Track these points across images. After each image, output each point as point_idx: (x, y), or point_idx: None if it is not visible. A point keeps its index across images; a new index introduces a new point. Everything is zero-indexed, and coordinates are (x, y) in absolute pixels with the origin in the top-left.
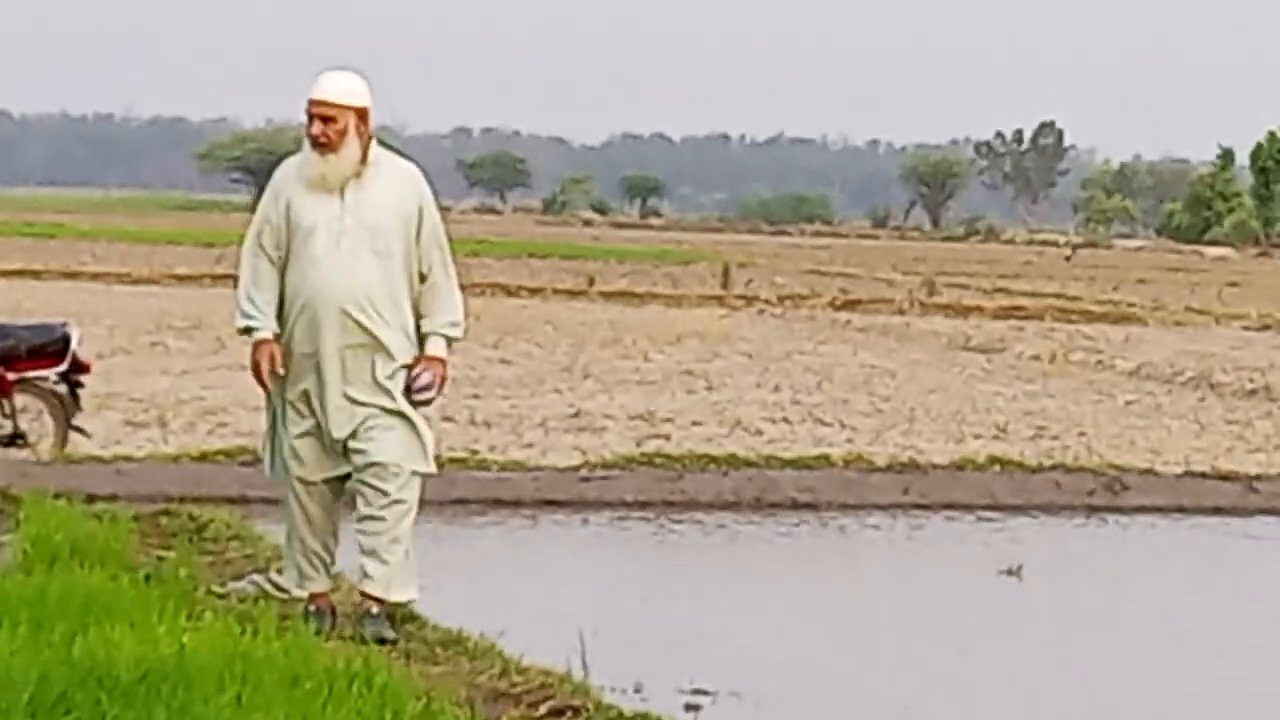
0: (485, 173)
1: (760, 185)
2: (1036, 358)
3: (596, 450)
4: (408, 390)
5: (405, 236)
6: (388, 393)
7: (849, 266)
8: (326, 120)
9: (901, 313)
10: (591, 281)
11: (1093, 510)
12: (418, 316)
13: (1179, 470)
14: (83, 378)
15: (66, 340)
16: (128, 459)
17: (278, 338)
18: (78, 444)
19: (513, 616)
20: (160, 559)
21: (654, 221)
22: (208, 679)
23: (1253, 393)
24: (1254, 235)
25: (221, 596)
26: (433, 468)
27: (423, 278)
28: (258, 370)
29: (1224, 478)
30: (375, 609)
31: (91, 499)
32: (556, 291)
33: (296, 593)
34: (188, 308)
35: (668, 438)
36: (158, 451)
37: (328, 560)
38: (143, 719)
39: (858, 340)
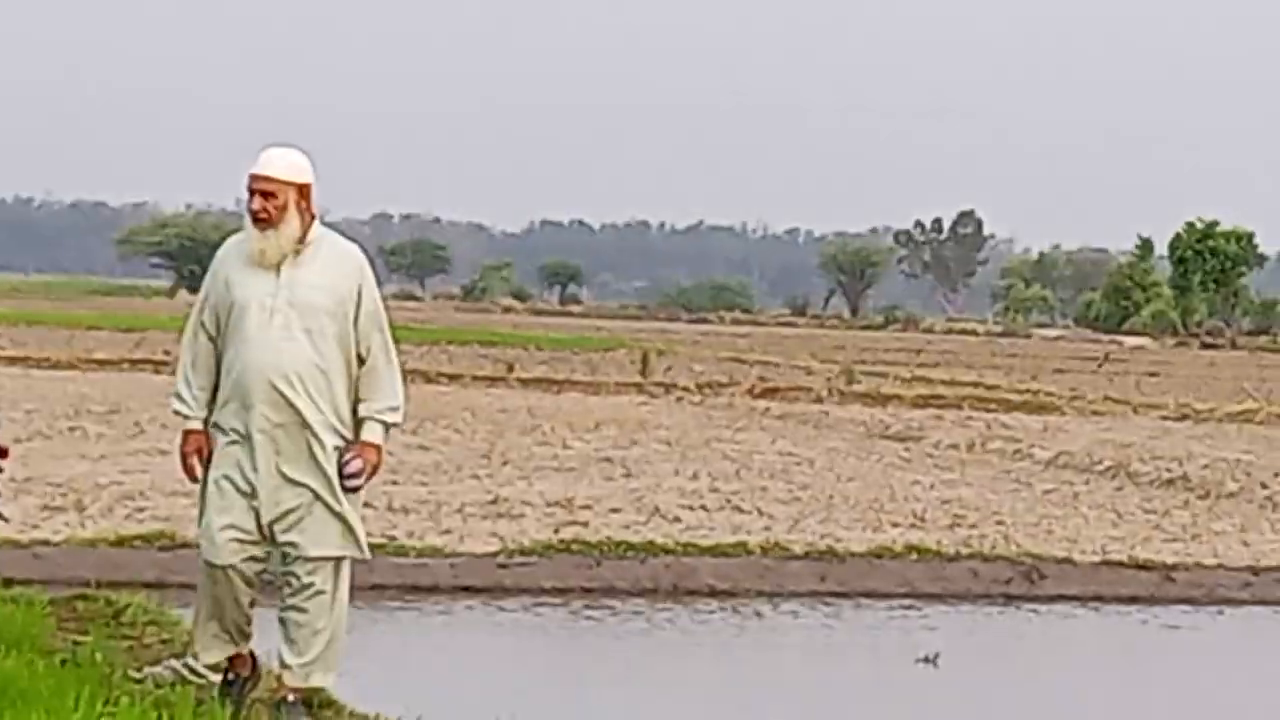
0: (405, 259)
1: (679, 273)
2: (955, 446)
3: (514, 537)
4: (339, 475)
5: (341, 317)
6: (322, 473)
7: (768, 354)
8: (267, 195)
9: (820, 401)
10: (510, 368)
11: (1010, 599)
12: (357, 400)
13: (1096, 559)
14: (1, 463)
15: None
16: (45, 543)
17: (208, 423)
18: None
19: (430, 702)
20: (77, 644)
21: (573, 308)
22: None
23: (1170, 482)
24: (1172, 325)
25: (138, 682)
26: (364, 554)
27: (361, 360)
28: (185, 460)
29: (1141, 567)
30: (291, 696)
31: (8, 583)
32: (475, 378)
33: (214, 678)
34: (106, 392)
35: (586, 525)
36: (75, 536)
37: (241, 633)
38: None
39: (776, 428)
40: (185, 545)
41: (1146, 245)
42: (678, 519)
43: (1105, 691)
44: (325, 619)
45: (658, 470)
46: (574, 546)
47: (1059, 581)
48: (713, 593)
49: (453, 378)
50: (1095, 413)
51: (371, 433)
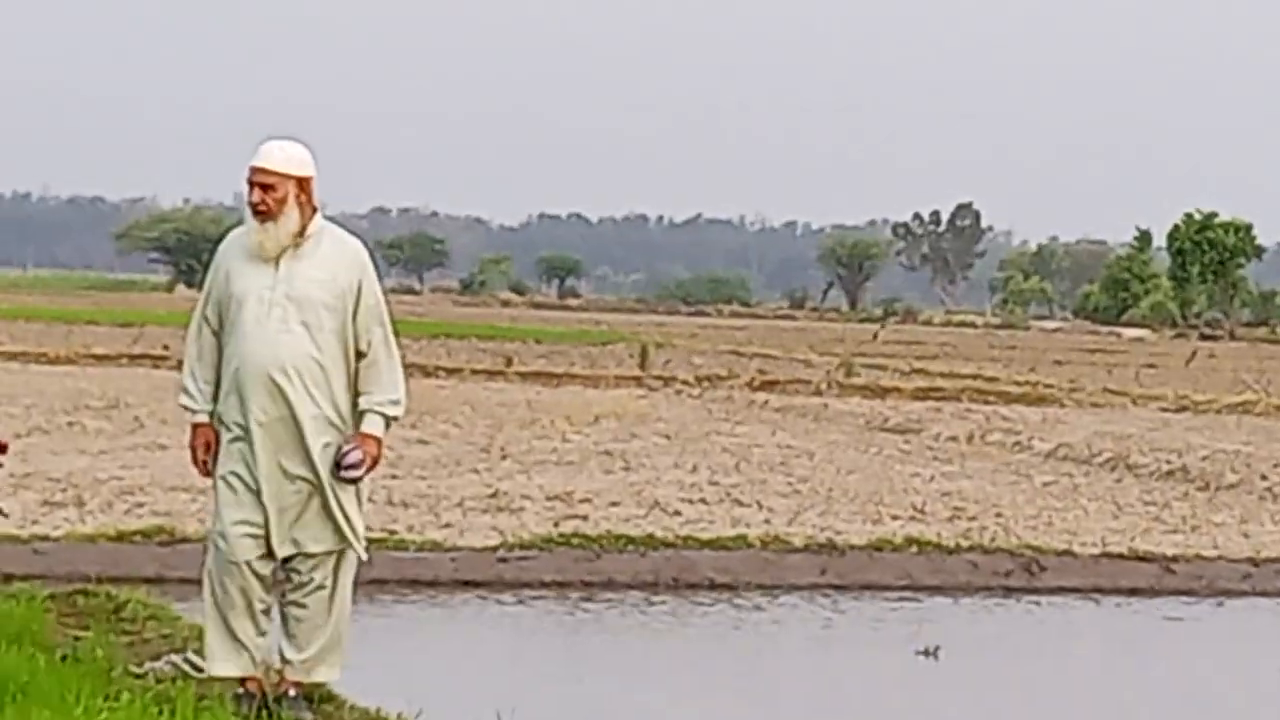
0: (403, 253)
1: (678, 266)
2: (954, 439)
3: (514, 531)
4: (336, 467)
5: (340, 311)
6: (318, 468)
7: (766, 347)
8: (266, 188)
9: (819, 393)
10: (509, 362)
11: (1009, 591)
12: (356, 394)
13: (1096, 551)
14: (0, 458)
15: None
16: (44, 539)
17: (214, 415)
18: None
19: (430, 697)
20: (77, 639)
21: (572, 302)
22: None
23: (1169, 474)
24: (1171, 317)
25: (139, 677)
26: (360, 553)
27: (361, 355)
28: (194, 454)
29: (1141, 559)
30: (294, 690)
31: (8, 579)
32: (474, 372)
33: (217, 673)
34: (105, 387)
35: (585, 518)
36: (75, 531)
37: (254, 644)
38: None
39: (775, 421)
40: (185, 540)
41: (1145, 237)
42: (677, 512)
43: (1105, 683)
44: (326, 614)
45: (657, 463)
46: (574, 540)
47: (1059, 573)
48: (713, 586)
49: (451, 371)
50: (1094, 405)
51: (372, 425)
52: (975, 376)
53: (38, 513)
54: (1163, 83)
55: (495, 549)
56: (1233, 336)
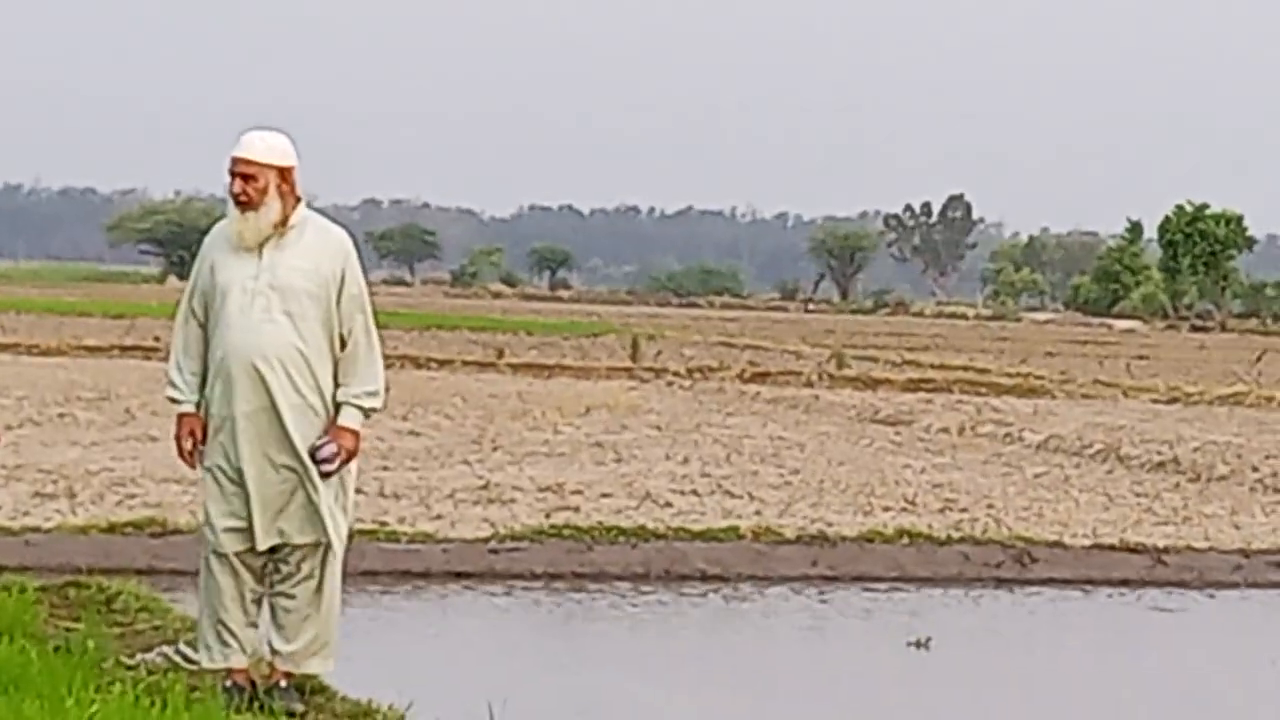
0: (394, 245)
1: (669, 257)
2: (945, 430)
3: (505, 522)
4: (312, 459)
5: (323, 300)
6: (302, 459)
7: (758, 339)
8: (247, 178)
9: (810, 385)
10: (500, 353)
11: (1001, 582)
12: (337, 384)
13: (1087, 543)
14: None
15: None
16: (36, 530)
17: (199, 406)
18: None
19: (422, 688)
20: (69, 631)
21: (563, 294)
22: None
23: (1161, 465)
24: (1162, 308)
25: (130, 668)
26: (336, 545)
27: (344, 344)
28: (180, 444)
29: (1132, 550)
30: (284, 681)
31: None
32: (465, 363)
33: (206, 664)
34: (96, 379)
35: (577, 510)
36: (66, 523)
37: (245, 636)
38: None
39: (766, 412)
40: (177, 532)
41: (1136, 229)
42: (669, 504)
43: (1097, 674)
44: (314, 606)
45: (648, 455)
46: (565, 531)
47: (1050, 565)
48: (704, 577)
49: (443, 363)
50: (1085, 396)
51: (349, 418)
52: (966, 368)
53: (29, 504)
54: (1155, 77)
55: (487, 540)
56: (1224, 328)
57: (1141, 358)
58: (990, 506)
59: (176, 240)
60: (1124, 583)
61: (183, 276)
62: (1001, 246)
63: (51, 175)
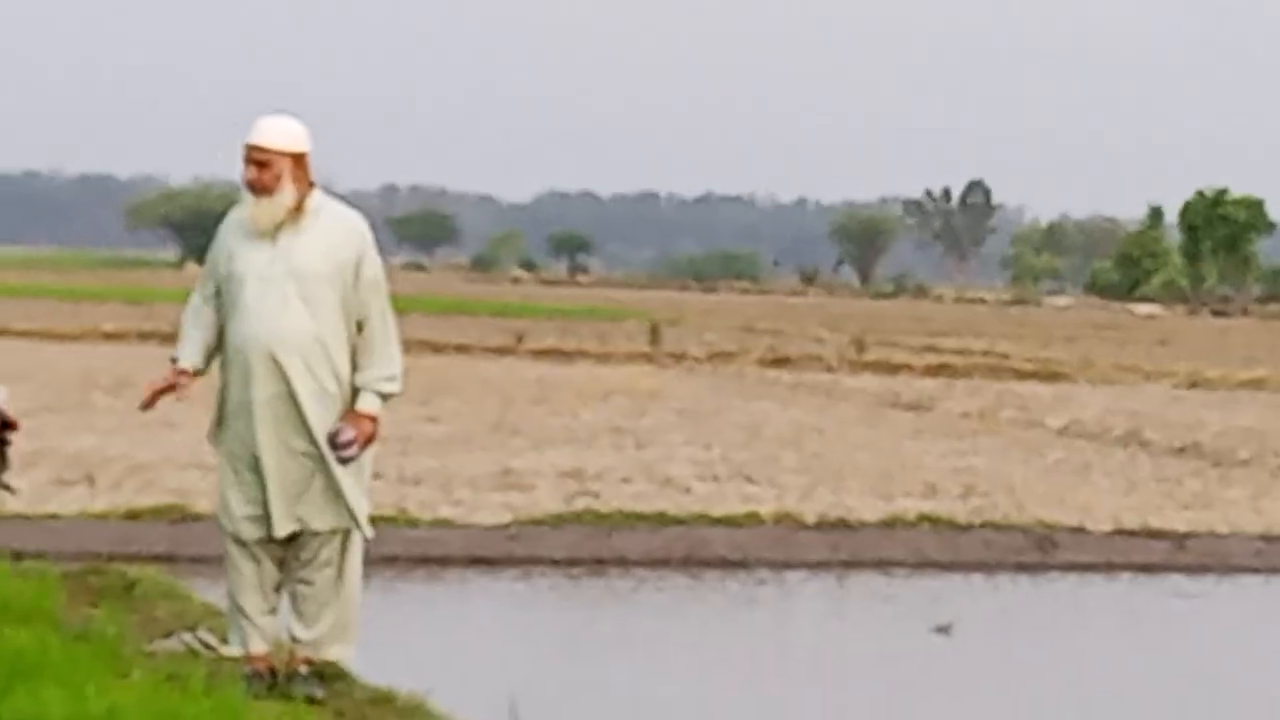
0: (413, 230)
1: (689, 243)
2: (966, 415)
3: (526, 508)
4: (330, 445)
5: (339, 285)
6: (321, 443)
7: (778, 324)
8: (261, 165)
9: (831, 370)
10: (520, 339)
11: (1023, 568)
12: (354, 370)
13: (1108, 528)
14: (11, 435)
15: None
16: (56, 517)
17: (199, 373)
18: (5, 502)
19: (442, 674)
20: (89, 617)
21: (582, 279)
22: None
23: (1181, 450)
24: (1182, 293)
25: (151, 655)
26: (363, 530)
27: (361, 329)
28: (153, 384)
29: (1153, 535)
30: (305, 668)
31: (19, 556)
32: (485, 349)
33: (226, 651)
34: (115, 365)
35: (597, 495)
36: (86, 509)
37: (264, 623)
38: None
39: (787, 398)
40: (196, 518)
41: (1157, 213)
42: (689, 489)
43: (1118, 658)
44: (334, 592)
45: (669, 440)
46: (585, 517)
47: (1072, 550)
48: (725, 563)
49: (462, 349)
50: (1106, 381)
51: (366, 402)
52: (987, 353)
53: (49, 491)
54: (1175, 60)
55: (506, 526)
56: (1245, 312)
57: (1162, 343)
58: (1012, 492)
59: (194, 225)
60: (1145, 568)
61: (201, 262)
62: (1022, 231)
63: (70, 161)
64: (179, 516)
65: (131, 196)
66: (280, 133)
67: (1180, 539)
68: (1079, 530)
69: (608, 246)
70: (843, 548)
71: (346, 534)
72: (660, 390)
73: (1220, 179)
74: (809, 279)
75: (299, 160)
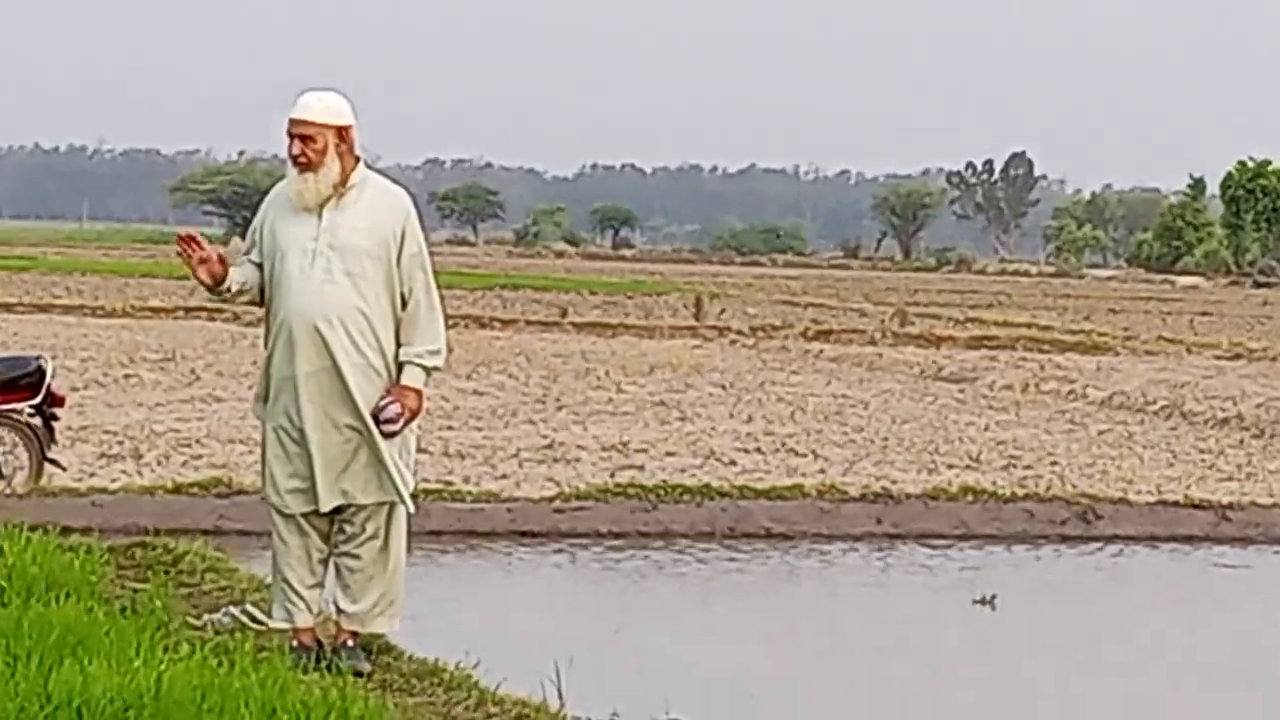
0: (457, 205)
1: (732, 216)
2: (1009, 387)
3: (570, 481)
4: (374, 420)
5: (384, 259)
6: (364, 418)
7: (821, 297)
8: (305, 139)
9: (874, 343)
10: (564, 313)
11: (1065, 539)
12: (399, 344)
13: (1151, 499)
14: (57, 410)
15: (41, 373)
16: (102, 491)
17: (235, 297)
18: (52, 477)
19: (488, 647)
20: (136, 591)
21: (626, 253)
22: (184, 712)
23: (1224, 421)
24: (1225, 264)
25: (197, 629)
26: (406, 504)
27: (404, 302)
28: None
29: (1196, 506)
30: (350, 641)
31: (66, 531)
32: (529, 323)
33: (273, 624)
34: (161, 340)
35: (641, 468)
36: (132, 484)
37: (310, 596)
38: None
39: (830, 370)
40: (243, 492)
41: (1198, 185)
42: (733, 462)
43: (1162, 630)
44: (379, 565)
45: (712, 414)
46: (630, 490)
47: (1114, 522)
48: (769, 535)
49: (506, 323)
50: (1149, 353)
51: (410, 377)
52: (1030, 325)
53: (95, 465)
54: (1216, 30)
55: (551, 499)
56: None
57: (1204, 314)
58: (1054, 463)
59: (240, 201)
60: (1188, 539)
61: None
62: (1064, 203)
63: (115, 137)
64: (225, 490)
65: (177, 172)
66: (324, 107)
67: (1222, 510)
68: (1121, 501)
69: (651, 220)
70: (886, 520)
71: (391, 507)
72: (703, 364)
73: (1262, 150)
74: (851, 252)
75: (343, 134)
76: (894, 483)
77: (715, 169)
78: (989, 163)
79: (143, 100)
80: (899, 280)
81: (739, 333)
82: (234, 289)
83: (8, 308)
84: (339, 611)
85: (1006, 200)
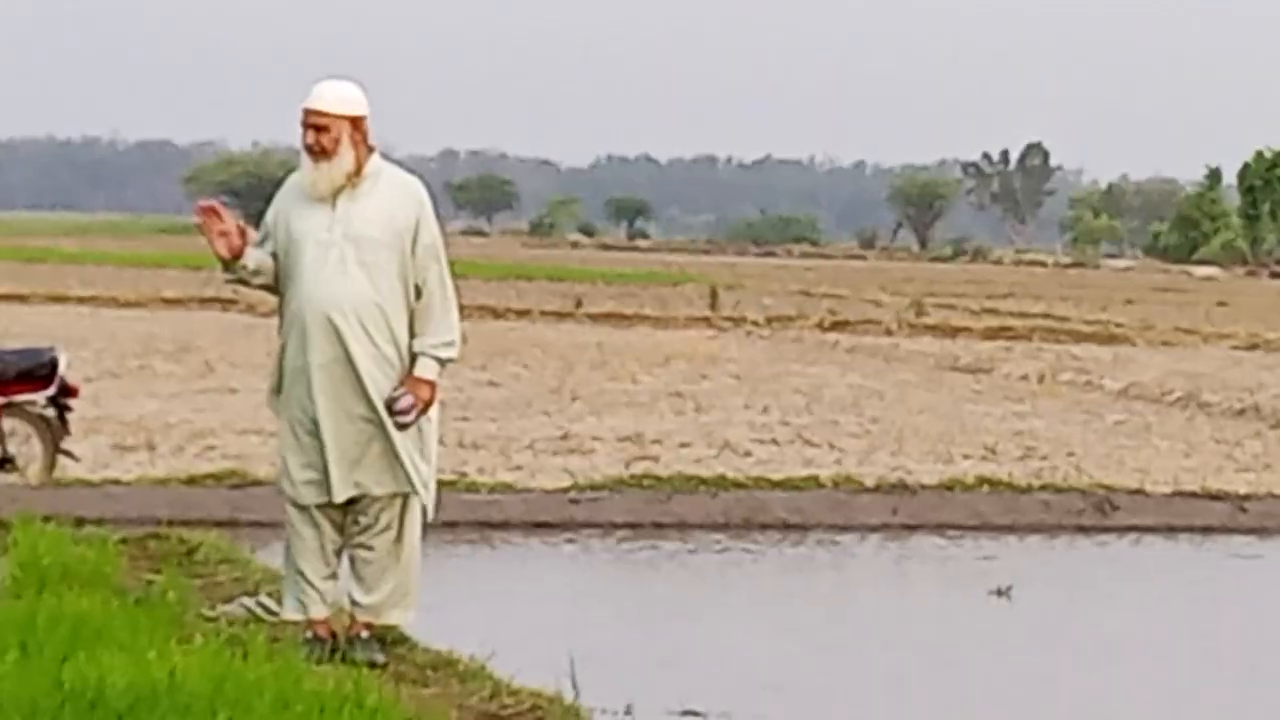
0: (472, 195)
1: (747, 207)
2: (1025, 378)
3: (585, 472)
4: (388, 410)
5: (398, 249)
6: (378, 410)
7: (836, 288)
8: (320, 129)
9: (889, 334)
10: (579, 303)
11: (1082, 530)
12: (413, 335)
13: (1168, 490)
14: (71, 401)
15: (54, 364)
16: (116, 482)
17: (252, 276)
18: (66, 468)
19: (503, 638)
20: (150, 582)
21: (641, 243)
22: (198, 702)
23: (1241, 412)
24: (1241, 255)
25: (211, 620)
26: (422, 497)
27: (419, 293)
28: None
29: (1213, 497)
30: (365, 632)
31: (80, 522)
32: (544, 313)
33: (287, 615)
34: (175, 331)
35: (656, 459)
36: (146, 475)
37: (324, 587)
38: None
39: (846, 361)
40: (256, 483)
41: (1215, 175)
42: (748, 453)
43: (1179, 621)
44: (393, 557)
45: (727, 404)
46: (645, 481)
47: (1131, 512)
48: (784, 526)
49: (521, 313)
50: (1165, 343)
51: (424, 368)
52: (1046, 316)
53: (109, 456)
54: (1233, 21)
55: (566, 490)
56: None
57: (1221, 304)
58: (1071, 454)
59: (254, 191)
60: (1205, 530)
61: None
62: (1080, 194)
63: (129, 128)
64: (239, 481)
65: (191, 163)
66: (338, 97)
67: (1239, 501)
68: (1138, 492)
69: (666, 211)
70: (902, 510)
71: (406, 499)
72: (719, 354)
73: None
74: (867, 243)
75: (357, 124)
76: (910, 473)
77: (730, 160)
78: (1005, 153)
79: (157, 91)
80: (915, 271)
81: (754, 323)
82: (250, 266)
83: (22, 299)
84: (353, 603)
85: (1023, 190)
